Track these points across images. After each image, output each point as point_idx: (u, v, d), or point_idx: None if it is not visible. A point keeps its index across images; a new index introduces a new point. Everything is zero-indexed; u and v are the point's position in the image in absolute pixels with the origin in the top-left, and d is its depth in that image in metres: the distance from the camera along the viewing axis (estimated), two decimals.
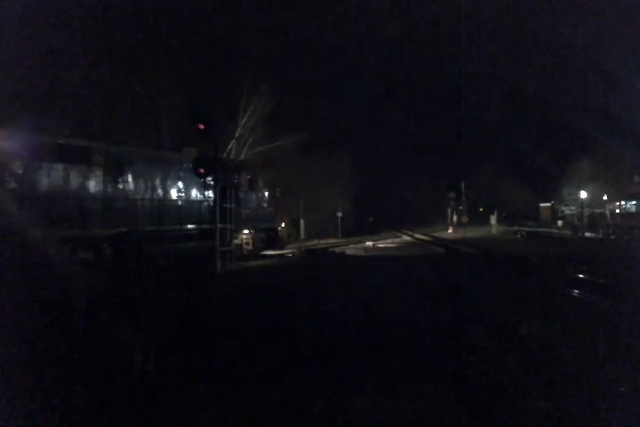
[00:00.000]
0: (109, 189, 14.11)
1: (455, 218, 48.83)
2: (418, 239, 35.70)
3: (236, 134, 28.96)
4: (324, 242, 33.16)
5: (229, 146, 28.51)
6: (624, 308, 8.23)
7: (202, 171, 14.72)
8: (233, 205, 15.58)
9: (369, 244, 30.21)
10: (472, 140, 62.29)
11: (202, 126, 14.20)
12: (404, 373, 5.33)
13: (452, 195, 48.78)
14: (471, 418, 4.28)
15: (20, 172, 12.18)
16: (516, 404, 4.52)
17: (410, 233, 41.74)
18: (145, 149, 17.32)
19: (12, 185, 11.99)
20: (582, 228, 36.96)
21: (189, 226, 16.66)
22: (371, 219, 47.57)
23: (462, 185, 53.39)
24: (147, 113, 24.78)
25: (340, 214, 40.41)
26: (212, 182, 15.09)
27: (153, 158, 16.02)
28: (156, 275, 11.83)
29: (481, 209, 59.29)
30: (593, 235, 35.04)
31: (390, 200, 54.49)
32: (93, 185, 13.71)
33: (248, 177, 19.65)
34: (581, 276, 12.36)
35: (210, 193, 16.78)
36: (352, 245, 29.35)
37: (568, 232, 37.78)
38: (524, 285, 11.26)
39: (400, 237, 40.77)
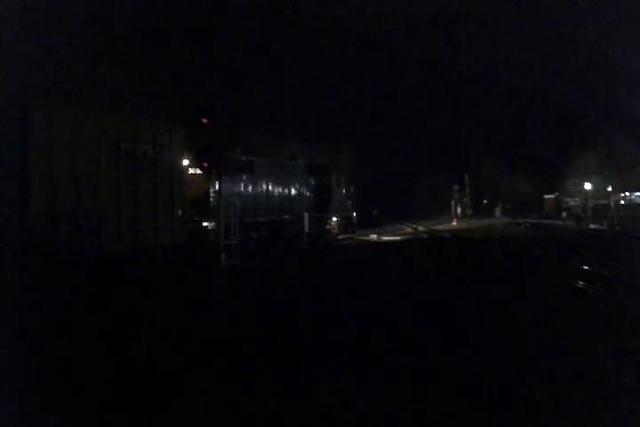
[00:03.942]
0: (263, 190, 19.84)
1: (459, 210, 48.62)
2: (422, 232, 35.68)
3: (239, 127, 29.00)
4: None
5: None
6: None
7: (205, 165, 14.83)
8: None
9: (373, 236, 30.25)
10: (475, 132, 62.05)
11: (205, 120, 14.27)
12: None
13: (456, 187, 48.51)
14: None
15: (218, 180, 16.83)
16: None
17: (414, 226, 41.65)
18: (278, 160, 22.29)
19: (215, 189, 16.89)
20: (587, 219, 36.92)
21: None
22: (375, 212, 47.23)
23: (466, 177, 53.24)
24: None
25: None
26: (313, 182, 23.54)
27: (282, 166, 21.69)
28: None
29: (485, 201, 59.20)
30: (597, 226, 34.98)
31: (395, 193, 54.20)
32: (256, 187, 19.29)
33: (333, 177, 25.80)
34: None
35: (309, 193, 23.42)
36: (355, 238, 29.40)
37: (572, 224, 37.73)
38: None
39: (404, 229, 40.74)
